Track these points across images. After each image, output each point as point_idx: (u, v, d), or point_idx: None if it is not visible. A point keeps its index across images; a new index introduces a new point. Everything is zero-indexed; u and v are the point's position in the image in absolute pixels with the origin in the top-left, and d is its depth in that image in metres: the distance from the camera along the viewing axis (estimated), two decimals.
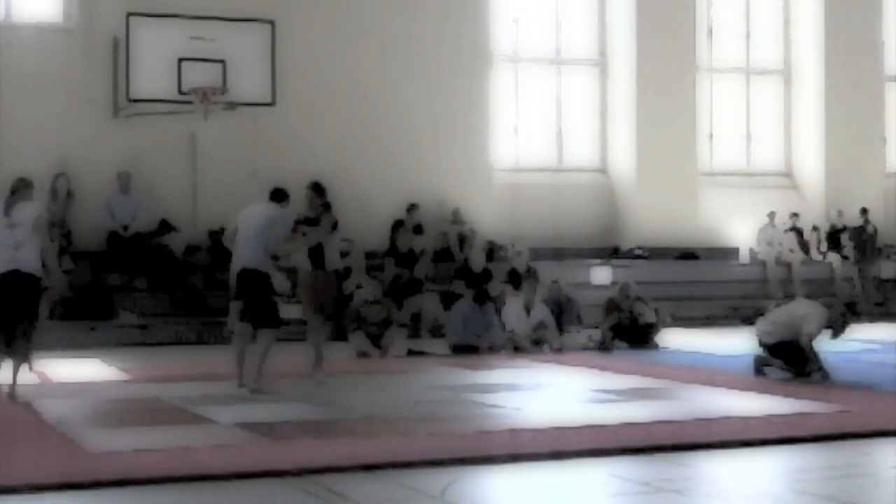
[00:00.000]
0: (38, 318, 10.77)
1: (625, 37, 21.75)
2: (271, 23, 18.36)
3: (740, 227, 21.97)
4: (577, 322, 16.04)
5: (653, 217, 21.38)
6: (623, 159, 21.82)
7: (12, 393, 10.31)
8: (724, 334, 17.63)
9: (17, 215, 10.25)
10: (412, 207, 19.34)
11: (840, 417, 9.43)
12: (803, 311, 11.69)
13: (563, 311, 15.95)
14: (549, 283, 16.65)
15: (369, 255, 18.45)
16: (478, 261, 18.48)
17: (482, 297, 14.98)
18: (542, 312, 15.62)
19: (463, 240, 19.53)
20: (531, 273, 17.85)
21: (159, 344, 16.39)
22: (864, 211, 22.12)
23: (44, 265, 10.37)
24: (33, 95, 17.94)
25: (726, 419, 9.32)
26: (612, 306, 15.99)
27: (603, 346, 15.35)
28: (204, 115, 17.85)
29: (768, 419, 9.31)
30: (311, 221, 11.65)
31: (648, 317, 15.97)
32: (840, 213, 22.26)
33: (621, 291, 16.32)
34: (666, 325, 16.70)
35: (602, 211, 21.67)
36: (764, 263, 21.44)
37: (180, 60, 17.79)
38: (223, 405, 10.09)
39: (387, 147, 19.45)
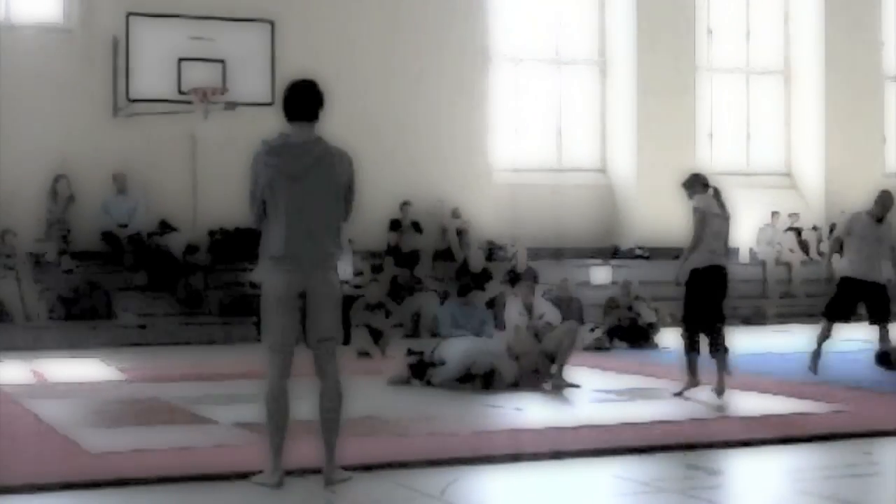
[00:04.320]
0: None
1: (625, 37, 21.75)
2: (271, 23, 18.35)
3: (740, 227, 21.93)
4: (579, 322, 16.01)
5: (653, 217, 21.36)
6: (623, 159, 21.82)
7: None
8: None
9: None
10: (405, 204, 19.35)
11: (839, 417, 9.43)
12: None
13: (566, 311, 15.93)
14: (559, 281, 16.61)
15: (369, 255, 18.46)
16: (476, 260, 18.47)
17: (465, 289, 14.59)
18: (547, 309, 15.61)
19: (461, 235, 19.51)
20: (530, 273, 17.82)
21: (159, 344, 16.39)
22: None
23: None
24: (33, 95, 17.94)
25: (726, 419, 9.32)
26: (612, 305, 16.02)
27: (600, 346, 15.34)
28: (204, 114, 17.85)
29: (768, 419, 9.31)
30: None
31: (648, 316, 15.97)
32: (843, 212, 22.18)
33: (623, 289, 16.34)
34: (666, 325, 16.70)
35: (602, 211, 21.67)
36: (764, 263, 21.43)
37: (180, 60, 17.79)
38: (223, 405, 10.09)
39: (386, 147, 19.44)
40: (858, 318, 12.54)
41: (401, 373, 11.79)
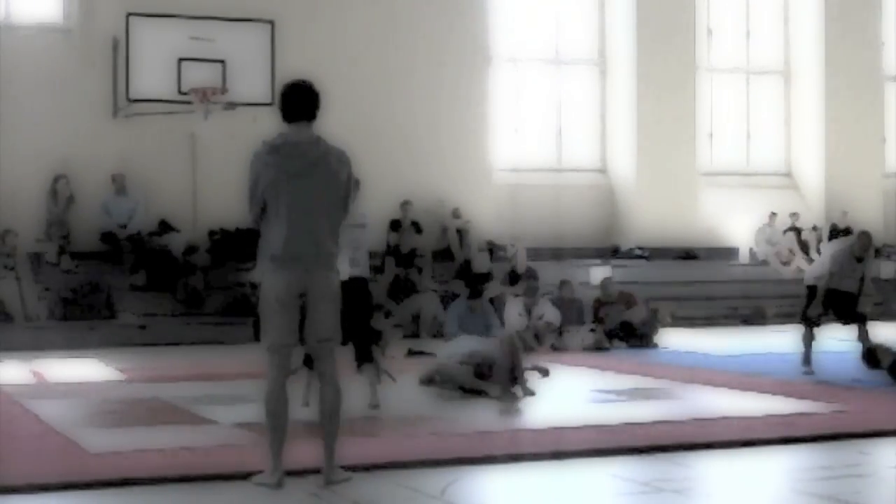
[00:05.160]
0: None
1: (625, 37, 21.75)
2: (271, 23, 18.34)
3: (740, 227, 21.97)
4: (577, 322, 16.03)
5: (653, 217, 21.38)
6: (623, 159, 21.83)
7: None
8: (724, 334, 17.63)
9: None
10: (405, 204, 19.36)
11: (839, 417, 9.43)
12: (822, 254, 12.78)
13: (567, 312, 15.93)
14: (560, 282, 16.61)
15: (368, 256, 18.45)
16: (479, 261, 18.48)
17: (476, 292, 14.65)
18: (547, 310, 15.64)
19: (461, 235, 19.50)
20: (530, 273, 17.85)
21: (159, 344, 16.38)
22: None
23: None
24: (33, 96, 17.94)
25: (726, 419, 9.32)
26: (598, 305, 16.07)
27: (600, 346, 15.34)
28: (204, 114, 17.84)
29: (768, 419, 9.31)
30: None
31: (630, 315, 15.90)
32: (845, 213, 22.19)
33: (603, 289, 16.38)
34: (665, 325, 16.73)
35: (602, 211, 21.67)
36: (764, 263, 21.43)
37: (180, 60, 17.78)
38: (223, 405, 10.09)
39: (387, 147, 19.44)
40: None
41: (429, 372, 11.63)
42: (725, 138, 23.05)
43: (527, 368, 11.37)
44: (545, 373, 11.73)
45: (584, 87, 22.01)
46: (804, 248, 21.84)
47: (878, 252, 22.15)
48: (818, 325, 12.37)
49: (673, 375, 12.31)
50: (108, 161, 18.06)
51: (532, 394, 10.73)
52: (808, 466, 7.75)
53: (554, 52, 21.91)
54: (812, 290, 12.43)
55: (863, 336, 12.27)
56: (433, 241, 19.51)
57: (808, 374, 12.10)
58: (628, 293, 16.23)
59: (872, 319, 12.72)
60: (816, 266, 12.93)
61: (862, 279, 12.46)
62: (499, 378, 10.77)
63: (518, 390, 10.70)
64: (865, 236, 12.52)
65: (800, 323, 12.61)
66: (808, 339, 12.38)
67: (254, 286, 17.59)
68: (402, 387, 11.57)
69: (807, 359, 12.33)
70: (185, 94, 17.77)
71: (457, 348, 11.54)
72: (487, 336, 12.61)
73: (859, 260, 12.32)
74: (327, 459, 6.82)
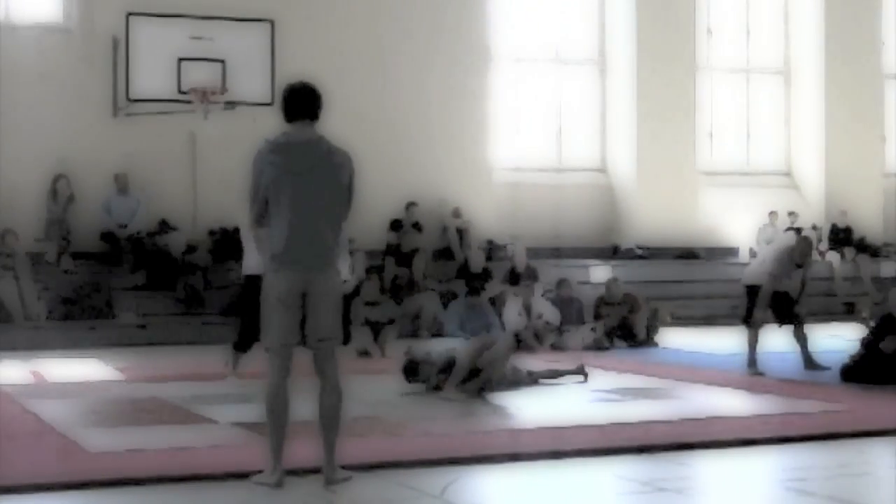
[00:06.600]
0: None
1: (625, 37, 21.74)
2: (271, 23, 18.36)
3: (740, 226, 21.96)
4: (577, 321, 16.02)
5: (653, 217, 21.37)
6: (623, 159, 21.82)
7: None
8: (724, 334, 17.62)
9: None
10: (410, 205, 19.35)
11: (838, 417, 9.44)
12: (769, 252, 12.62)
13: (566, 311, 15.94)
14: (559, 281, 16.64)
15: (369, 255, 18.46)
16: (477, 260, 18.49)
17: (475, 290, 14.61)
18: (546, 310, 15.64)
19: (462, 234, 19.50)
20: (530, 272, 17.86)
21: (159, 344, 16.38)
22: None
23: None
24: (33, 95, 17.94)
25: (726, 419, 9.33)
26: (600, 305, 16.07)
27: (600, 346, 15.34)
28: (203, 114, 17.86)
29: (767, 419, 9.32)
30: None
31: (632, 319, 15.88)
32: (844, 213, 22.19)
33: (608, 289, 16.37)
34: (665, 325, 16.71)
35: (602, 211, 21.67)
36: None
37: (180, 60, 17.79)
38: (223, 405, 10.09)
39: (387, 147, 19.43)
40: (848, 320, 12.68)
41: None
42: (725, 138, 23.03)
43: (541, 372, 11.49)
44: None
45: (584, 87, 22.00)
46: None
47: (877, 252, 22.19)
48: (761, 327, 12.23)
49: (673, 375, 12.32)
50: (108, 161, 18.07)
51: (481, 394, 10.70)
52: (808, 466, 7.75)
53: (554, 52, 21.90)
54: (751, 289, 12.36)
55: (800, 336, 12.25)
56: (433, 241, 19.51)
57: (756, 375, 11.99)
58: (633, 296, 16.20)
59: (871, 319, 12.71)
60: (756, 266, 12.81)
61: (803, 284, 12.33)
62: (455, 378, 10.82)
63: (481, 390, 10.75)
64: (805, 242, 12.39)
65: (744, 325, 12.46)
66: (754, 341, 12.23)
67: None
68: (402, 386, 11.58)
69: (752, 361, 12.19)
70: (184, 93, 17.79)
71: (438, 345, 11.62)
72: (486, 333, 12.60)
73: (799, 266, 12.20)
74: (327, 459, 6.82)
